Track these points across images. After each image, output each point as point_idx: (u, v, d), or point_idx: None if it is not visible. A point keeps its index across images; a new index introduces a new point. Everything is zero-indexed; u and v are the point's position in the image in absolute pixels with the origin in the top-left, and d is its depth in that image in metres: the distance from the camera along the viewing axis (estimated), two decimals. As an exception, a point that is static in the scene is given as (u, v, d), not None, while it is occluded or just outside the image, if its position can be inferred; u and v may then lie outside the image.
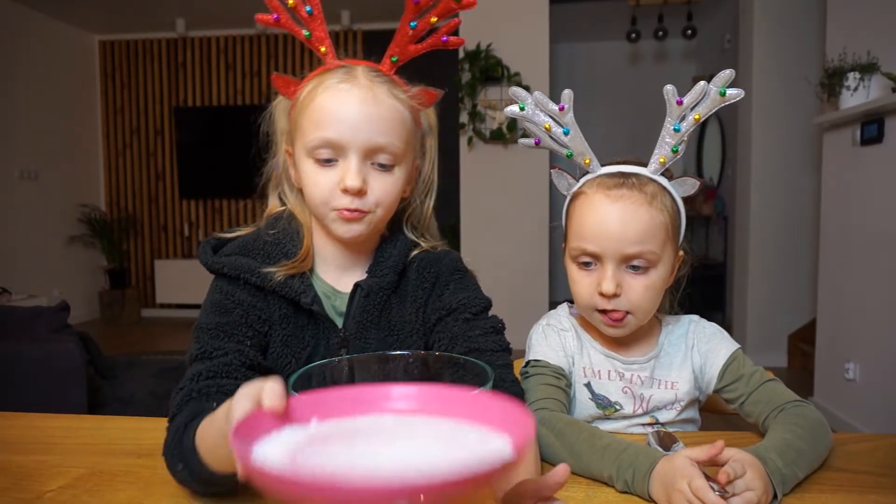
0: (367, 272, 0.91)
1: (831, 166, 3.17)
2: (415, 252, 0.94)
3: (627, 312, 0.89)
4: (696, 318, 0.99)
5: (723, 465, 0.67)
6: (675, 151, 0.89)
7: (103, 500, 0.72)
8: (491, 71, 4.57)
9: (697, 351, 0.95)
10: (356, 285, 0.89)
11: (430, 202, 0.98)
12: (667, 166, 0.90)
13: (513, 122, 4.59)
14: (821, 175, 3.29)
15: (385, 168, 0.85)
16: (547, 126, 0.92)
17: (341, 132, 0.82)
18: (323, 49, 0.89)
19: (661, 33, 5.38)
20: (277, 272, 0.86)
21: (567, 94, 0.90)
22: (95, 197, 6.38)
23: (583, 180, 0.94)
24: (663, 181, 0.90)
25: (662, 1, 5.02)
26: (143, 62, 6.36)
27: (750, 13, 4.24)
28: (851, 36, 2.97)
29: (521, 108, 0.92)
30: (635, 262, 0.87)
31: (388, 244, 0.93)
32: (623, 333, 0.92)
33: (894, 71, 2.65)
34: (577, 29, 6.14)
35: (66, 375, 2.09)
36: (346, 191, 0.82)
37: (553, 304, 4.92)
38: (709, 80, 0.86)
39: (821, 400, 3.22)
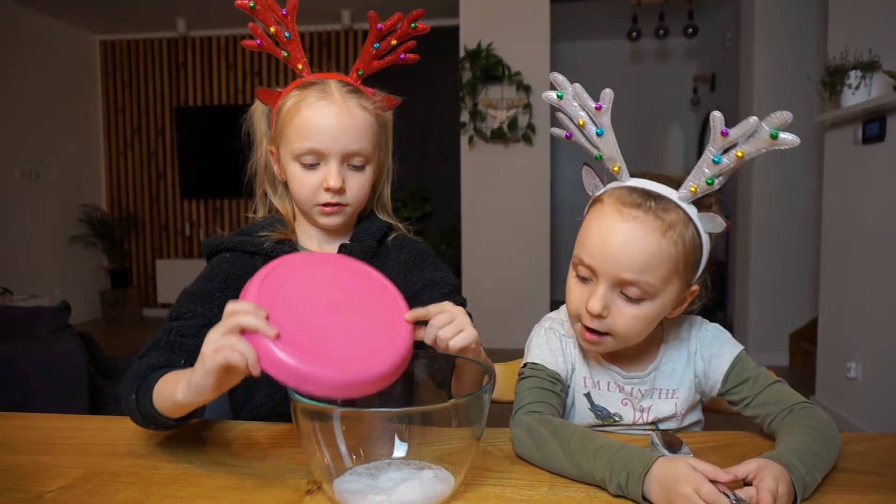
0: (350, 239, 1.11)
1: (833, 165, 3.17)
2: (394, 234, 1.15)
3: (608, 335, 0.85)
4: (697, 319, 0.97)
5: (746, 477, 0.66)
6: (709, 183, 0.80)
7: (103, 500, 0.72)
8: (492, 70, 4.56)
9: (700, 356, 0.93)
10: (341, 246, 1.09)
11: (388, 185, 1.17)
12: (698, 196, 0.82)
13: (513, 122, 4.59)
14: (822, 173, 3.28)
15: (358, 168, 1.04)
16: (581, 122, 0.86)
17: (323, 142, 1.01)
18: (300, 66, 1.08)
19: (662, 32, 5.37)
20: (269, 236, 1.06)
21: (607, 94, 0.83)
22: (97, 197, 6.38)
23: (607, 187, 0.88)
24: (691, 211, 0.83)
25: (663, -1, 5.02)
26: (143, 62, 6.35)
27: (751, 11, 4.24)
28: (853, 34, 2.96)
29: (560, 97, 0.86)
30: (629, 290, 0.82)
31: (365, 221, 1.14)
32: (599, 350, 0.90)
33: (896, 69, 2.64)
34: (579, 27, 6.14)
35: (68, 375, 2.09)
36: (328, 189, 1.01)
37: (554, 304, 4.91)
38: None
39: (822, 399, 3.22)
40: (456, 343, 0.82)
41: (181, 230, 6.46)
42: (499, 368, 1.24)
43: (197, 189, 6.35)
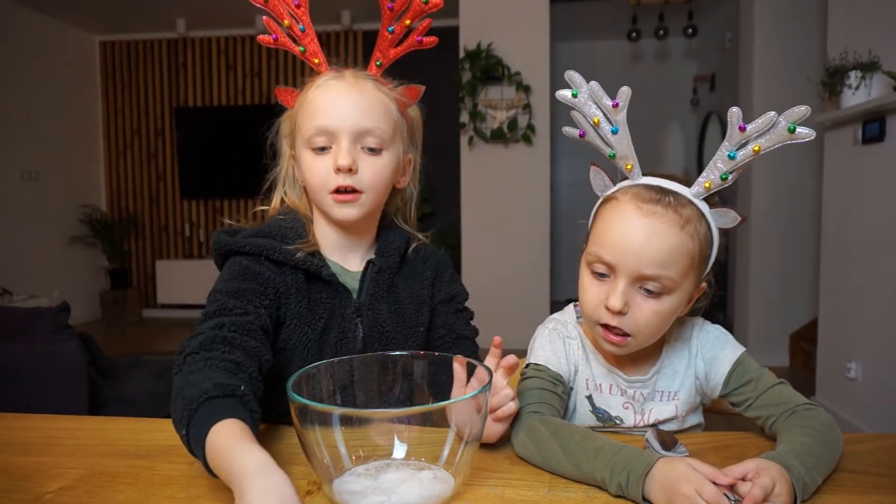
0: (375, 253, 1.05)
1: (833, 165, 3.17)
2: (415, 244, 1.11)
3: (629, 335, 0.85)
4: (700, 321, 0.96)
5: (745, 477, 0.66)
6: (724, 179, 0.82)
7: (103, 501, 0.72)
8: (491, 70, 4.56)
9: (702, 357, 0.93)
10: (369, 262, 1.03)
11: (415, 198, 1.13)
12: (711, 192, 0.84)
13: (513, 122, 4.59)
14: (822, 174, 3.28)
15: (374, 151, 0.96)
16: (596, 120, 0.85)
17: (332, 118, 0.93)
18: (316, 61, 1.01)
19: (661, 32, 5.38)
20: (296, 250, 0.97)
21: (625, 92, 0.83)
22: (96, 197, 6.38)
23: (619, 185, 0.88)
24: (703, 207, 0.84)
25: (663, 0, 5.01)
26: (143, 62, 6.36)
27: (751, 12, 4.24)
28: (853, 34, 2.96)
29: (574, 95, 0.86)
30: (649, 285, 0.82)
31: (388, 231, 1.08)
32: (621, 353, 0.88)
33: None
34: (578, 28, 6.14)
35: (67, 376, 2.09)
36: (338, 170, 0.93)
37: (554, 304, 4.89)
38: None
39: (822, 399, 3.22)
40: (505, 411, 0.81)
41: (181, 231, 6.46)
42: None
43: (197, 189, 6.35)
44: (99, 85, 6.41)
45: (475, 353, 1.09)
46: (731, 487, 0.65)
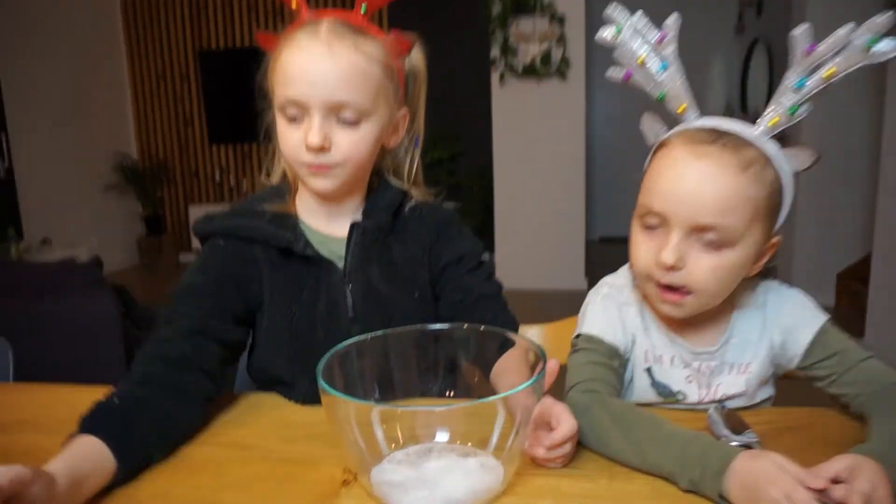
0: (362, 215, 0.95)
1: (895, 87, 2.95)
2: (412, 203, 1.00)
3: (688, 292, 0.75)
4: (774, 284, 0.86)
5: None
6: (792, 113, 0.73)
7: (128, 487, 0.68)
8: (522, 1, 4.34)
9: (778, 326, 0.83)
10: (353, 225, 0.93)
11: (417, 152, 1.01)
12: (779, 129, 0.74)
13: (546, 56, 4.38)
14: (884, 99, 3.06)
15: (350, 124, 0.86)
16: (641, 59, 0.76)
17: (302, 90, 0.84)
18: (294, 5, 0.90)
19: (705, -48, 5.03)
20: (267, 211, 0.93)
21: (672, 21, 0.75)
22: (126, 145, 6.39)
23: (673, 130, 0.79)
24: (769, 148, 0.75)
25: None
26: (164, 6, 6.24)
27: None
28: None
29: (618, 31, 0.77)
30: (707, 237, 0.73)
31: (376, 192, 0.98)
32: (679, 315, 0.79)
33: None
34: (615, -49, 5.78)
35: (101, 331, 2.08)
36: (308, 147, 0.84)
37: (589, 243, 4.73)
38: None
39: (873, 342, 3.10)
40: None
41: (211, 176, 6.46)
42: (546, 331, 1.17)
43: (225, 134, 6.31)
44: (122, 30, 6.31)
45: (503, 311, 0.98)
46: (821, 491, 0.57)
